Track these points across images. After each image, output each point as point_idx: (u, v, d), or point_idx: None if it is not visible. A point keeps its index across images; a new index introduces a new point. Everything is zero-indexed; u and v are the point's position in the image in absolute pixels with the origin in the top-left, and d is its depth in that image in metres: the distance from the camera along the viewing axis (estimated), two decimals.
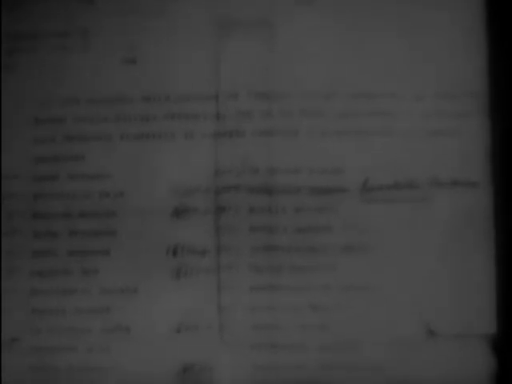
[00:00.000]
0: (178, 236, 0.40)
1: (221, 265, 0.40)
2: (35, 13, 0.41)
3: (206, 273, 0.40)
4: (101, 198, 0.40)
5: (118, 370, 0.39)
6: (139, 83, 0.40)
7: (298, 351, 0.39)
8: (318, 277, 0.39)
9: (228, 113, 0.40)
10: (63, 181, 0.40)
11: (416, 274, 0.39)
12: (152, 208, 0.40)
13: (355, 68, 0.40)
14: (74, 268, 0.40)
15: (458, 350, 0.39)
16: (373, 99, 0.40)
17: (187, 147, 0.40)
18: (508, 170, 0.40)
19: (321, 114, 0.40)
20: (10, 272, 0.40)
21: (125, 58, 0.41)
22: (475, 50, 0.40)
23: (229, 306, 0.39)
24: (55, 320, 0.40)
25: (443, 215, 0.40)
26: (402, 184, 0.40)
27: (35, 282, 0.40)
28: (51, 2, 0.41)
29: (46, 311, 0.40)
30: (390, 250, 0.40)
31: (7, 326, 0.40)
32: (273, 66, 0.40)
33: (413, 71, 0.40)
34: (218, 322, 0.39)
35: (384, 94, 0.40)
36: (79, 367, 0.40)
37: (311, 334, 0.39)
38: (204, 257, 0.40)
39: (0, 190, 0.40)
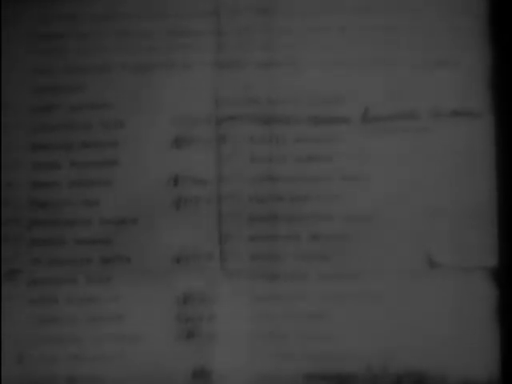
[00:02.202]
0: (179, 166, 0.40)
1: (221, 194, 0.40)
2: None
3: (207, 203, 0.39)
4: (101, 128, 0.40)
5: (118, 301, 0.39)
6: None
7: (299, 281, 0.39)
8: (319, 206, 0.39)
9: (229, 29, 0.40)
10: (63, 111, 0.40)
11: (417, 204, 0.39)
12: (153, 138, 0.40)
13: None
14: (74, 199, 0.40)
15: (459, 282, 0.39)
16: (373, 31, 0.40)
17: (188, 76, 0.40)
18: (509, 99, 0.39)
19: (322, 43, 0.40)
20: (9, 204, 0.40)
21: None
22: None
23: (229, 235, 0.39)
24: (55, 251, 0.40)
25: (444, 146, 0.39)
26: (402, 114, 0.39)
27: (35, 213, 0.40)
28: None
29: (46, 242, 0.40)
30: (391, 180, 0.39)
31: (7, 257, 0.40)
32: None
33: (411, 4, 0.40)
34: (219, 252, 0.39)
35: (385, 25, 0.40)
36: (79, 298, 0.40)
37: (312, 263, 0.39)
38: (204, 186, 0.40)
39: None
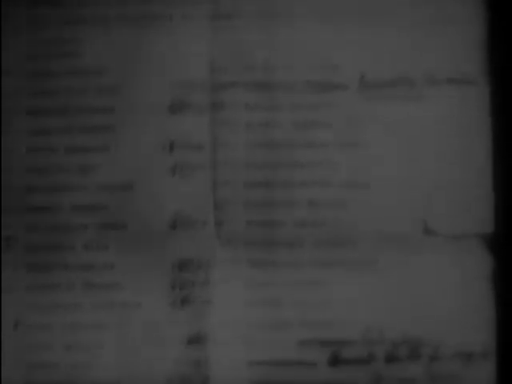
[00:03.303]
0: (175, 132, 0.40)
1: (217, 161, 0.39)
2: None
3: (202, 169, 0.39)
4: (97, 94, 0.40)
5: (113, 268, 0.39)
6: None
7: (295, 247, 0.39)
8: (315, 173, 0.39)
9: None
10: (59, 76, 0.40)
11: (413, 172, 0.39)
12: (149, 104, 0.40)
13: None
14: (70, 165, 0.40)
15: (455, 250, 0.39)
16: None
17: (184, 41, 0.40)
18: (505, 66, 0.39)
19: (320, 7, 0.40)
20: (5, 170, 0.40)
21: None
22: None
23: (225, 202, 0.39)
24: (51, 218, 0.40)
25: (440, 113, 0.39)
26: (397, 81, 0.39)
27: (31, 179, 0.40)
28: None
29: (42, 209, 0.40)
30: (387, 147, 0.39)
31: (3, 224, 0.40)
32: None
33: None
34: (214, 218, 0.39)
35: None
36: (75, 265, 0.40)
37: (308, 229, 0.39)
38: (200, 153, 0.40)
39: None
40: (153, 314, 0.39)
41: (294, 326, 0.39)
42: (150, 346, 0.39)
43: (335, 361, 0.39)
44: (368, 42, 0.40)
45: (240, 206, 0.39)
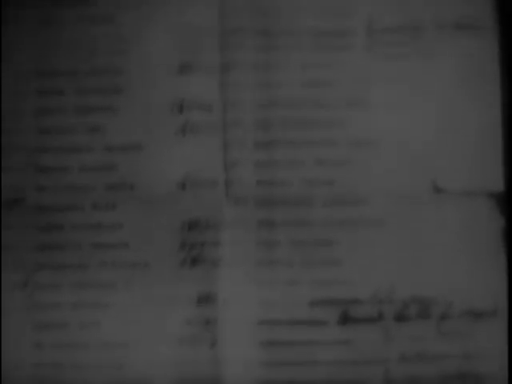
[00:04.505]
0: (184, 92, 0.40)
1: (226, 121, 0.39)
2: None
3: (212, 129, 0.39)
4: (106, 55, 0.40)
5: (122, 228, 0.39)
6: None
7: (303, 207, 0.39)
8: (324, 131, 0.39)
9: None
10: (68, 36, 0.40)
11: (421, 129, 0.39)
12: (158, 63, 0.40)
13: None
14: (79, 126, 0.40)
15: (464, 208, 0.39)
16: None
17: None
18: None
19: None
20: (14, 131, 0.40)
21: None
22: None
23: (234, 162, 0.39)
24: (60, 178, 0.40)
25: (448, 68, 0.39)
26: (405, 27, 0.39)
27: (40, 140, 0.40)
28: None
29: (50, 169, 0.40)
30: (395, 105, 0.39)
31: (12, 185, 0.40)
32: None
33: None
34: (224, 179, 0.39)
35: None
36: (83, 225, 0.39)
37: (317, 189, 0.39)
38: (210, 113, 0.40)
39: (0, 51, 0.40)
40: (162, 274, 0.39)
41: (304, 285, 0.39)
42: (160, 305, 0.39)
43: (345, 320, 0.39)
44: None
45: (250, 165, 0.39)
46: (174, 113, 0.40)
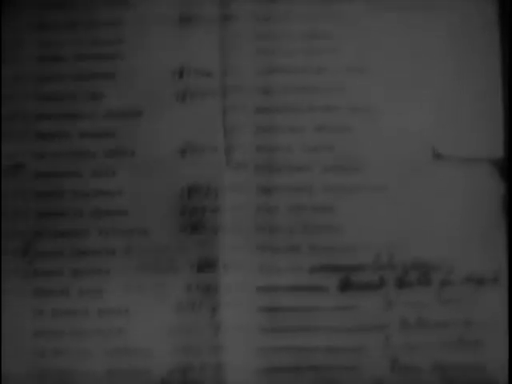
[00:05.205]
0: (184, 58, 0.39)
1: (226, 87, 0.39)
2: None
3: (212, 94, 0.39)
4: (106, 25, 0.40)
5: (122, 194, 0.39)
6: None
7: (303, 173, 0.39)
8: (323, 98, 0.39)
9: None
10: (69, 7, 0.40)
11: (421, 95, 0.39)
12: (158, 25, 0.40)
13: None
14: (78, 92, 0.40)
15: (464, 174, 0.39)
16: None
17: None
18: None
19: None
20: (14, 98, 0.40)
21: None
22: None
23: (234, 128, 0.39)
24: (59, 144, 0.39)
25: (446, 29, 0.39)
26: None
27: (39, 106, 0.40)
28: None
29: (50, 135, 0.39)
30: (395, 71, 0.39)
31: (11, 151, 0.39)
32: None
33: None
34: (224, 144, 0.39)
35: None
36: (83, 192, 0.39)
37: (317, 154, 0.39)
38: (210, 79, 0.39)
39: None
40: (162, 240, 0.39)
41: (305, 250, 0.39)
42: (160, 271, 0.39)
43: (346, 286, 0.39)
44: None
45: (250, 131, 0.39)
46: (174, 78, 0.39)
